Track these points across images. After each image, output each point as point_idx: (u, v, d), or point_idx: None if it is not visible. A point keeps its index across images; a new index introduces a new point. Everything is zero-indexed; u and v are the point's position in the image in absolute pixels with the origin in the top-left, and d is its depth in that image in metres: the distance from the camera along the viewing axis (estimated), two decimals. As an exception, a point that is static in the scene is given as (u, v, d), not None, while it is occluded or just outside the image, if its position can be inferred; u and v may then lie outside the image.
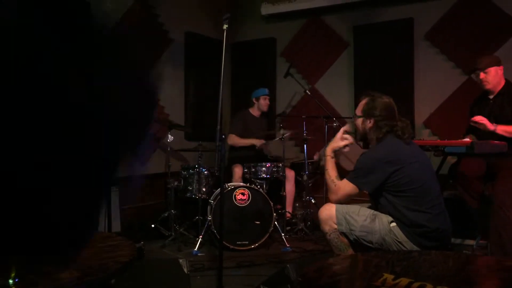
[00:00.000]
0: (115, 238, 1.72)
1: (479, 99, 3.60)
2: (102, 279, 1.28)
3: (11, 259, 1.05)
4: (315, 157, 4.91)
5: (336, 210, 2.53)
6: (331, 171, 2.61)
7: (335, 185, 2.55)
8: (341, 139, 2.69)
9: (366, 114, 2.59)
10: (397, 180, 2.40)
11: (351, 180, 2.48)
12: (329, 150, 2.70)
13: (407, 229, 2.38)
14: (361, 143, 2.95)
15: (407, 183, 2.40)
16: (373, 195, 2.55)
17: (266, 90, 5.05)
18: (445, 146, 3.09)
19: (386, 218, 2.47)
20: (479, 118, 3.17)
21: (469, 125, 3.56)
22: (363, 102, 2.63)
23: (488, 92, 3.46)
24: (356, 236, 2.47)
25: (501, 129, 3.15)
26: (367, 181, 2.44)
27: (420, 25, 4.80)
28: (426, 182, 2.44)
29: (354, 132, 2.82)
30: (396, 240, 2.39)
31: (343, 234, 2.51)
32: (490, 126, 3.14)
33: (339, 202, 2.54)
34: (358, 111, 2.65)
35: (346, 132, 2.73)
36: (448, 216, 2.47)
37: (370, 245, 2.45)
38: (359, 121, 2.64)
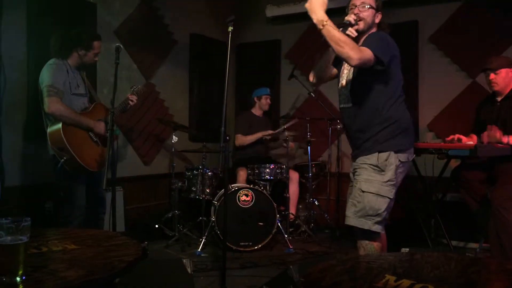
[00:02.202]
0: (120, 238, 1.74)
1: (486, 101, 3.53)
2: (107, 277, 1.29)
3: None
4: None
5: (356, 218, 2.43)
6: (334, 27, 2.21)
7: (356, 47, 2.23)
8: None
9: (378, 7, 2.48)
10: (393, 66, 2.41)
11: (369, 47, 2.26)
12: (321, 15, 2.21)
13: (387, 130, 2.40)
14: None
15: (397, 73, 2.45)
16: (358, 88, 2.46)
17: (268, 90, 5.08)
18: (449, 149, 3.09)
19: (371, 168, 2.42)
20: (494, 130, 3.12)
21: (474, 126, 3.55)
22: None
23: (495, 94, 3.40)
24: (377, 207, 2.36)
25: None
26: (382, 49, 2.30)
27: (425, 28, 4.80)
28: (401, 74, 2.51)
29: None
30: (391, 167, 2.37)
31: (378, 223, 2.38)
32: (504, 139, 3.10)
33: (360, 60, 2.22)
34: (371, 2, 2.46)
35: (349, 22, 2.43)
36: None
37: (390, 199, 2.38)
38: (371, 12, 2.46)
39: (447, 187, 3.86)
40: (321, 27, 2.21)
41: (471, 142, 3.22)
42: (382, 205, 2.35)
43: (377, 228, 2.37)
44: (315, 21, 2.22)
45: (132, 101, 3.54)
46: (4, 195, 3.29)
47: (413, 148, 2.52)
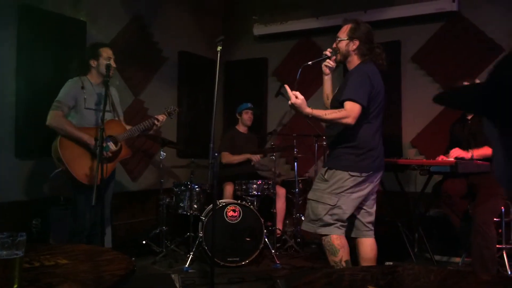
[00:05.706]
0: (111, 253, 1.77)
1: (458, 120, 3.76)
2: (100, 291, 1.33)
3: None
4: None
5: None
6: (320, 111, 2.58)
7: (341, 111, 2.55)
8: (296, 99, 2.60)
9: (351, 37, 2.77)
10: (373, 104, 2.65)
11: (352, 99, 2.55)
12: (306, 111, 2.55)
13: (346, 150, 2.67)
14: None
15: (375, 109, 2.70)
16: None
17: (249, 104, 5.08)
18: (431, 166, 3.19)
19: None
20: (454, 155, 3.26)
21: (449, 145, 3.69)
22: (348, 26, 2.81)
23: (466, 113, 3.60)
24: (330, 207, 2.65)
25: (477, 154, 3.26)
26: (363, 95, 2.58)
27: (407, 48, 4.95)
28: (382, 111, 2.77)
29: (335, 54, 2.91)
30: (336, 179, 2.66)
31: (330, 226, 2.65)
32: (467, 155, 3.24)
33: (354, 119, 2.54)
34: (343, 35, 2.81)
35: (326, 55, 2.91)
36: None
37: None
38: (344, 43, 2.80)
39: (430, 202, 3.96)
40: (310, 117, 2.56)
41: (451, 159, 3.33)
42: (321, 211, 2.65)
43: (324, 231, 2.65)
44: (304, 115, 2.55)
45: (158, 120, 3.55)
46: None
47: (371, 167, 2.69)
